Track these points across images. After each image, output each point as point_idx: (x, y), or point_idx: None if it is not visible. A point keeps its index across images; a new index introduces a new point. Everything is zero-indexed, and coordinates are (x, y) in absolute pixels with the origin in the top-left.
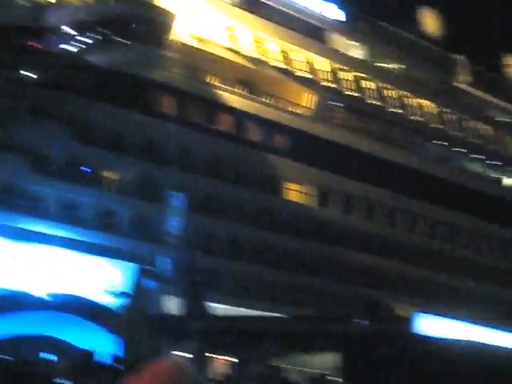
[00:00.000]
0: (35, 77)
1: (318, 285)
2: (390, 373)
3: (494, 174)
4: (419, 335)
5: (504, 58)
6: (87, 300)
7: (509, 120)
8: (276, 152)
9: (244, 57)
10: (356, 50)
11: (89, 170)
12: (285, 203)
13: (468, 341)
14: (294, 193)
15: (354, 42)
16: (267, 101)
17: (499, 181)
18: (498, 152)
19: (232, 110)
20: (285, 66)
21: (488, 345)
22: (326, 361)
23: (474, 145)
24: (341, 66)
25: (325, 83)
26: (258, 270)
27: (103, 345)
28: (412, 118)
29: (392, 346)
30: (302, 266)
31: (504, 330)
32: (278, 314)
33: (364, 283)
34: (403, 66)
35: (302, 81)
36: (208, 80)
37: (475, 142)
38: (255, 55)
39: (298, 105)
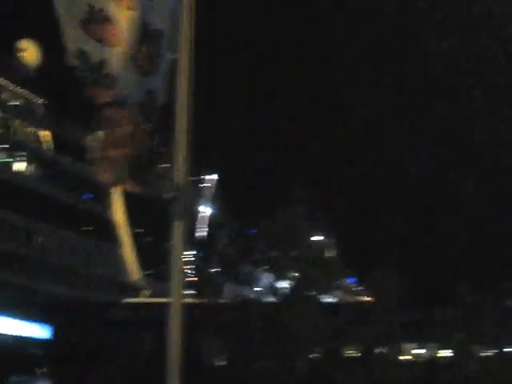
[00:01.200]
0: None
1: None
2: None
3: (3, 158)
4: None
5: (18, 42)
6: None
7: (19, 104)
8: None
9: None
10: None
11: None
12: None
13: None
14: None
15: None
16: None
17: (9, 165)
18: (7, 135)
19: None
20: None
21: None
22: None
23: None
24: None
25: None
26: None
27: None
28: None
29: None
30: None
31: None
32: None
33: None
34: None
35: None
36: None
37: None
38: None
39: None
